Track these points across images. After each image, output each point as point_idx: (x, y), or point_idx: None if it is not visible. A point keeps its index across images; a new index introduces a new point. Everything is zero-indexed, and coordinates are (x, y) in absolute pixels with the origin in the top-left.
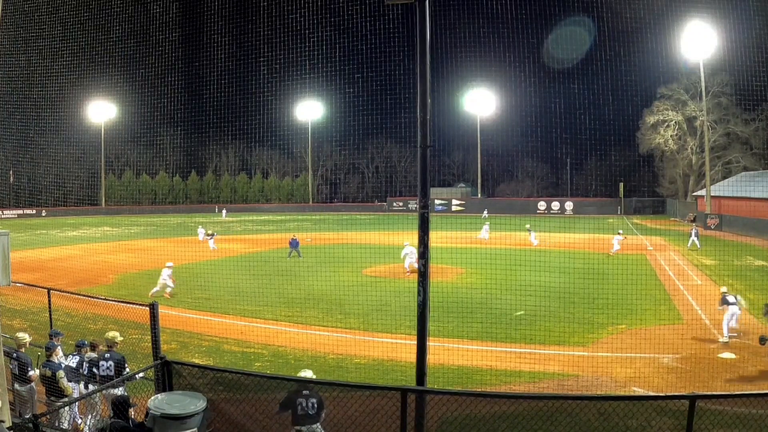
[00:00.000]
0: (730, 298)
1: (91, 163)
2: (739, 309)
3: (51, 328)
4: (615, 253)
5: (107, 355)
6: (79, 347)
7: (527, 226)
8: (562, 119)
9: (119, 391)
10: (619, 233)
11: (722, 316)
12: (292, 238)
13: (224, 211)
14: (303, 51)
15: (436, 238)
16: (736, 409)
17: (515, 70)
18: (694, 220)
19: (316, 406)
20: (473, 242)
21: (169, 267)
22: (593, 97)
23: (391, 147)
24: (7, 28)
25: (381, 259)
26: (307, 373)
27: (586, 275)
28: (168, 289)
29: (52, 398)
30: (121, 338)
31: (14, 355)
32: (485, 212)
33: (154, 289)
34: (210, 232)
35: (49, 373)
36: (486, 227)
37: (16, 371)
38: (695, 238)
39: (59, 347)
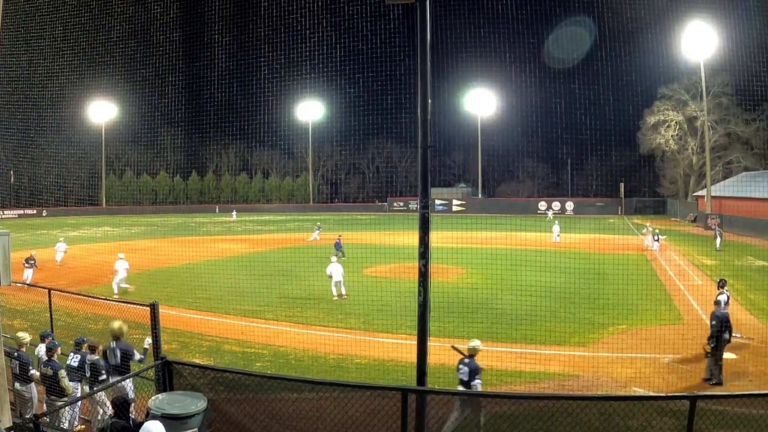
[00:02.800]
0: (655, 237)
1: (92, 163)
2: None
3: (51, 328)
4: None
5: (113, 345)
6: (78, 345)
7: (317, 223)
8: (562, 119)
9: (128, 390)
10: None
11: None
12: (338, 238)
13: (234, 212)
14: (304, 51)
15: (436, 238)
16: (736, 409)
17: (516, 70)
18: (694, 221)
19: (468, 373)
20: (482, 243)
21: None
22: (594, 97)
23: (392, 147)
24: (7, 28)
25: (382, 259)
26: (476, 343)
27: (586, 275)
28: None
29: (53, 397)
30: (125, 327)
31: (15, 354)
32: (550, 213)
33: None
34: (30, 256)
35: (50, 372)
36: (556, 229)
37: (17, 371)
38: (719, 239)
39: (60, 346)
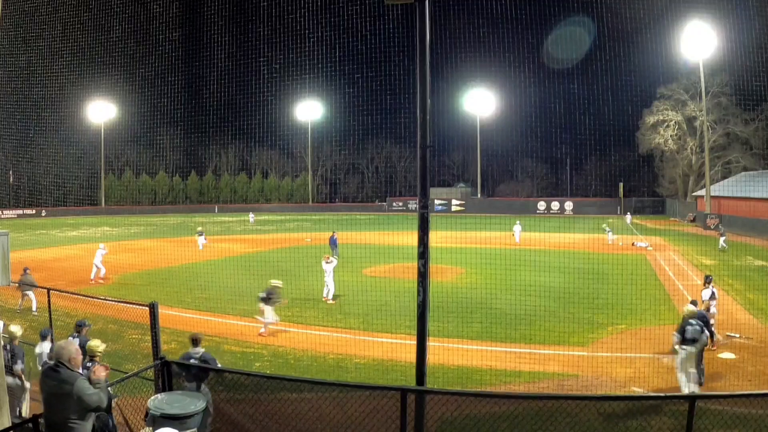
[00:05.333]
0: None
1: (91, 163)
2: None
3: (51, 328)
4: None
5: (88, 365)
6: (79, 326)
7: (198, 228)
8: (562, 119)
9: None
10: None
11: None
12: (332, 236)
13: (251, 215)
14: (303, 51)
15: (435, 238)
16: (735, 409)
17: (515, 71)
18: (693, 220)
19: (702, 325)
20: (481, 243)
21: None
22: (593, 98)
23: (391, 147)
24: (7, 28)
25: (381, 259)
26: (691, 306)
27: (586, 275)
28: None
29: None
30: (104, 347)
31: (8, 347)
32: (629, 216)
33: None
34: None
35: None
36: (517, 228)
37: (9, 363)
38: (723, 243)
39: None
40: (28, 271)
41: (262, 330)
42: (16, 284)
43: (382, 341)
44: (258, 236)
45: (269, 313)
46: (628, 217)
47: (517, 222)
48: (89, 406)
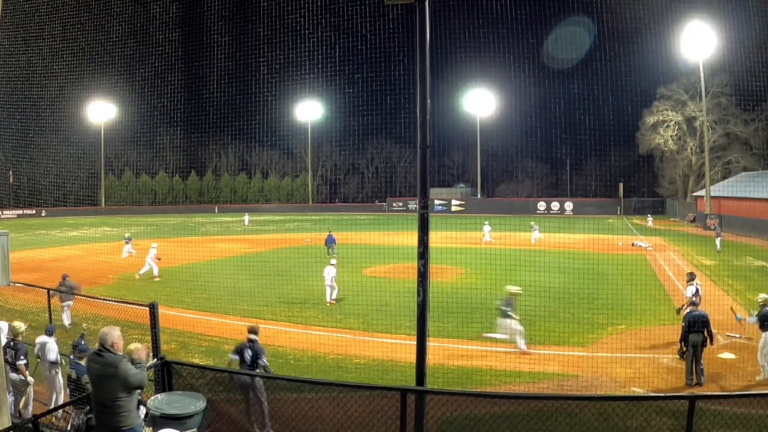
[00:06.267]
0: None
1: (91, 163)
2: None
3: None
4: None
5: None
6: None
7: (126, 235)
8: (561, 119)
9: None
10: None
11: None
12: (329, 235)
13: (247, 217)
14: (303, 51)
15: (435, 238)
16: (735, 410)
17: (515, 71)
18: (693, 221)
19: None
20: (481, 243)
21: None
22: (593, 98)
23: (391, 147)
24: (7, 28)
25: (381, 259)
26: (765, 295)
27: (585, 275)
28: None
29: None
30: (139, 346)
31: (11, 344)
32: (650, 219)
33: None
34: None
35: (74, 375)
36: (487, 228)
37: (12, 360)
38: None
39: (88, 351)
40: (67, 278)
41: (523, 348)
42: (56, 293)
43: (382, 341)
44: (257, 236)
45: (516, 326)
46: (650, 219)
47: (486, 222)
48: (133, 385)
